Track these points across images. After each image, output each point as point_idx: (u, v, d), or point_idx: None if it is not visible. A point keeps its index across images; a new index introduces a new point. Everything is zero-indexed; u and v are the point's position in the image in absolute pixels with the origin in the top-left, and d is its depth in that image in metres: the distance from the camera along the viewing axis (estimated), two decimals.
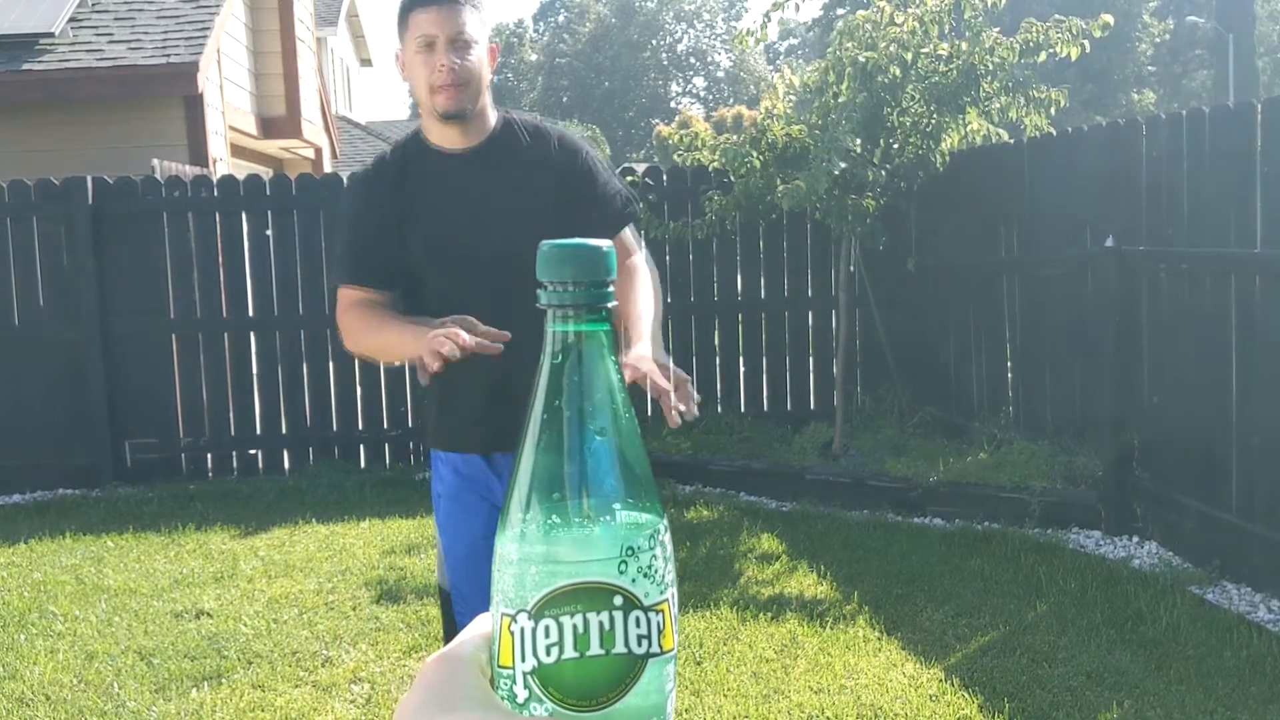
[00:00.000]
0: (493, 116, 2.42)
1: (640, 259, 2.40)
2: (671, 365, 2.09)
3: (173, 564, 5.23)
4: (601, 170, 2.40)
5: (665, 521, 0.57)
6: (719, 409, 7.16)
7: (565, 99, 60.55)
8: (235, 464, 6.97)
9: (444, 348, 1.96)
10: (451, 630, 2.53)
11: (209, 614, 4.55)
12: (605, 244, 0.58)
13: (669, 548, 0.57)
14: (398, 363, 2.49)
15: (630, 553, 0.54)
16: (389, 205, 2.36)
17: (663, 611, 0.56)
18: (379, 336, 2.31)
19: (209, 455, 6.93)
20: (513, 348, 2.08)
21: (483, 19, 2.34)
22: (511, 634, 0.54)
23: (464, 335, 1.99)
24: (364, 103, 27.22)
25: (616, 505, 0.55)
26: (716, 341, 7.24)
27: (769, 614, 4.31)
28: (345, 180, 2.70)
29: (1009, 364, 6.28)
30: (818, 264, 7.16)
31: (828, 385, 7.08)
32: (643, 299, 2.27)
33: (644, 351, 2.11)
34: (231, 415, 6.92)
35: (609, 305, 0.57)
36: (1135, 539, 5.05)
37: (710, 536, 5.35)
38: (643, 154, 52.48)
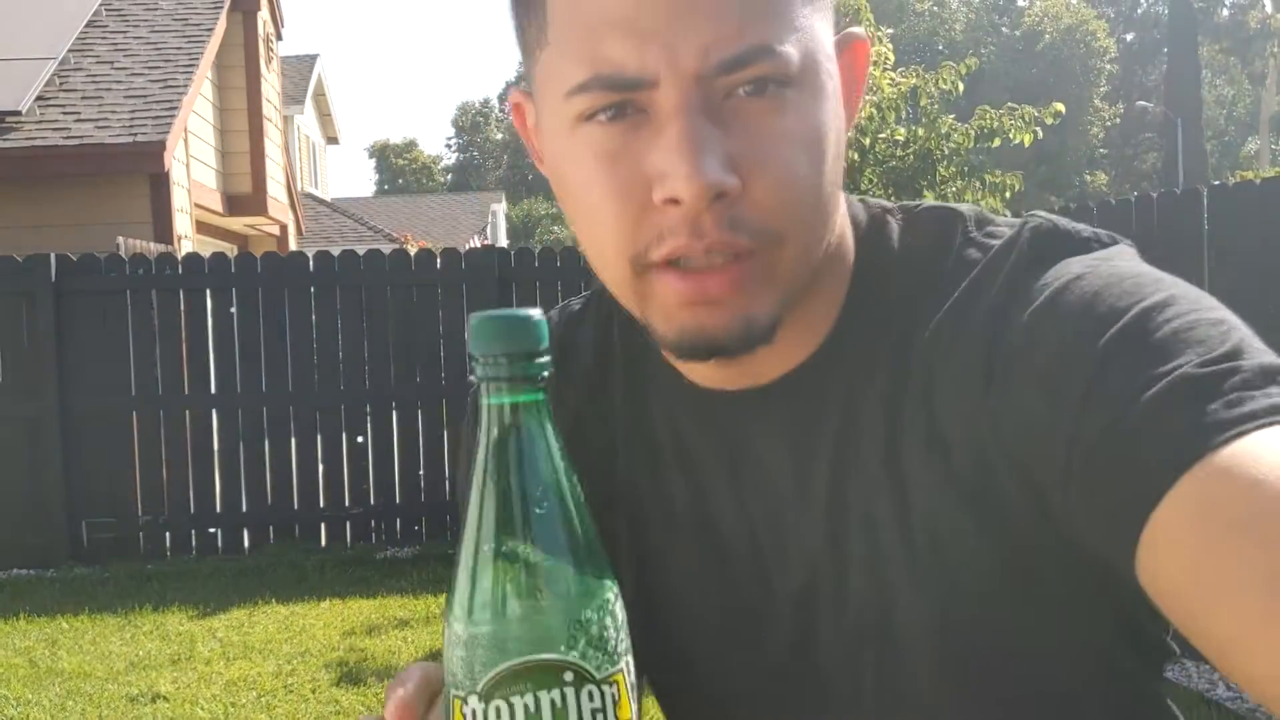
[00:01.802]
0: (849, 255, 0.76)
1: None
2: None
3: (129, 646, 5.15)
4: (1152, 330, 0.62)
5: (616, 588, 0.56)
6: None
7: (531, 176, 61.12)
8: (194, 543, 6.89)
9: None
10: None
11: (165, 698, 4.47)
12: (537, 314, 0.55)
13: (621, 615, 0.55)
14: None
15: (579, 626, 0.53)
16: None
17: (617, 682, 0.54)
18: None
19: (167, 534, 6.85)
20: None
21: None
22: (464, 715, 0.53)
23: None
24: (330, 179, 27.39)
25: (563, 578, 0.54)
26: None
27: None
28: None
29: None
30: None
31: None
32: None
33: None
34: (191, 493, 6.85)
35: (545, 375, 0.55)
36: None
37: None
38: None
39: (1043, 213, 0.75)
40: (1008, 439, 0.66)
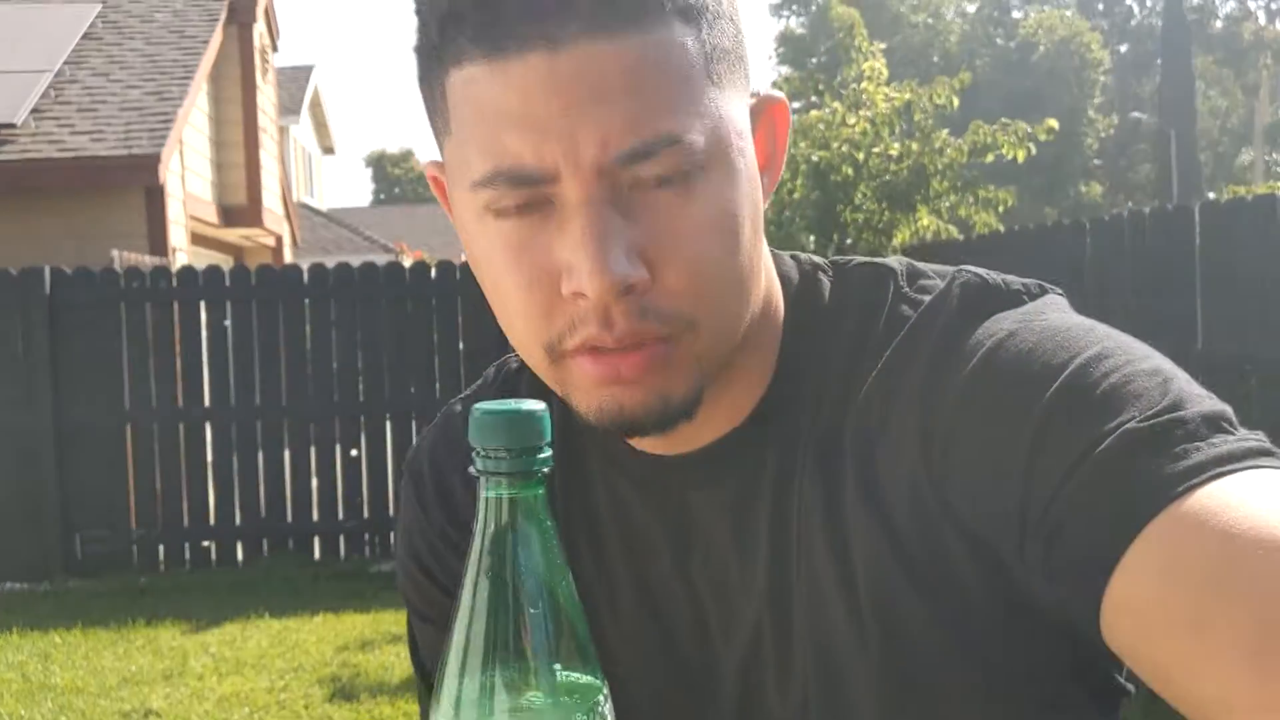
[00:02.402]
0: (766, 358, 0.75)
1: None
2: None
3: (121, 661, 5.14)
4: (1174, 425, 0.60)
5: (605, 688, 0.56)
6: None
7: None
8: (188, 556, 6.88)
9: None
10: None
11: (157, 714, 4.46)
12: (539, 406, 0.55)
13: (610, 716, 0.55)
14: None
15: None
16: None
17: None
18: None
19: (161, 547, 6.84)
20: None
21: (725, 33, 0.67)
22: None
23: None
24: (326, 190, 27.41)
25: (554, 680, 0.54)
26: None
27: None
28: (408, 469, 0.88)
29: None
30: None
31: None
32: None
33: None
34: (185, 506, 6.84)
35: (545, 470, 0.55)
36: None
37: None
38: None
39: (971, 267, 0.77)
40: (952, 503, 0.65)
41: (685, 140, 0.62)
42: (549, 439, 0.55)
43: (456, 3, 0.63)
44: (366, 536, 6.99)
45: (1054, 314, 0.70)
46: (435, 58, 0.66)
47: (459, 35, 0.63)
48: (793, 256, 0.78)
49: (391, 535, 7.02)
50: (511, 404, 0.54)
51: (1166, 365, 0.65)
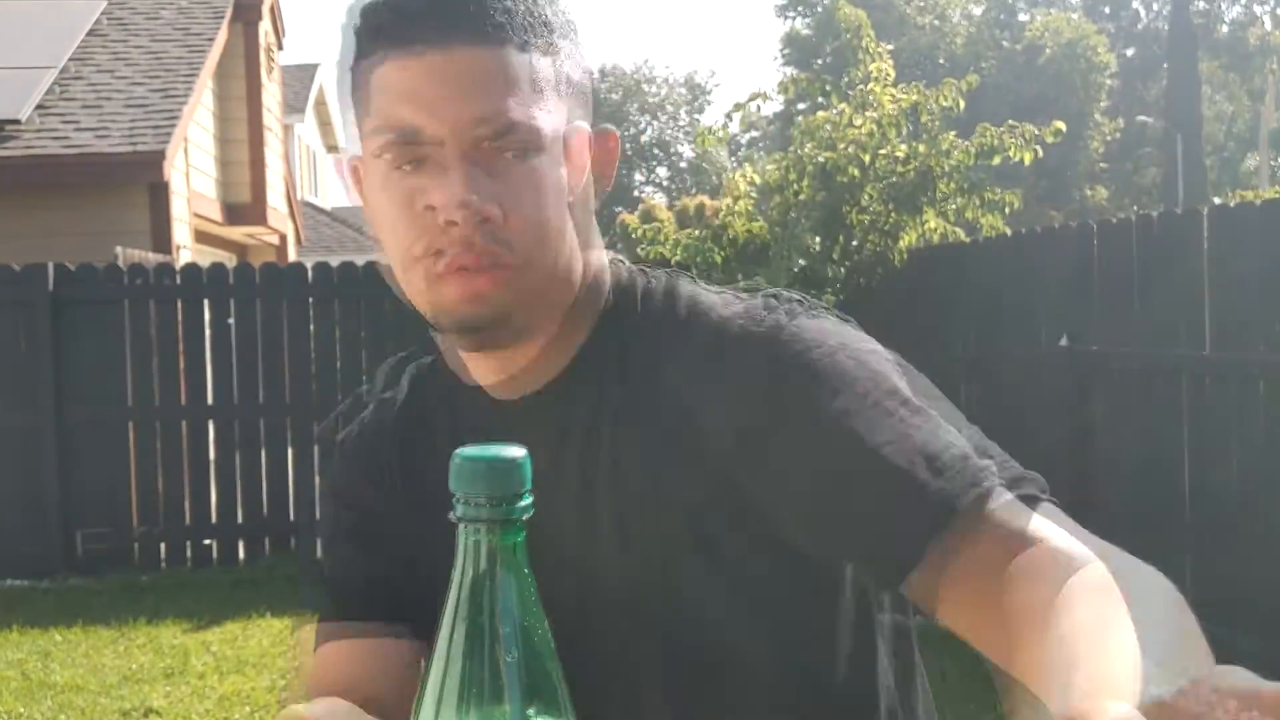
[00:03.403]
0: (587, 316, 0.97)
1: (1062, 558, 0.82)
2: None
3: (122, 659, 5.12)
4: (871, 404, 0.91)
5: None
6: None
7: None
8: (189, 554, 6.86)
9: None
10: None
11: (158, 712, 4.44)
12: (520, 453, 0.56)
13: None
14: None
15: None
16: (385, 516, 1.02)
17: None
18: None
19: (162, 545, 6.83)
20: None
21: (566, 66, 0.93)
22: None
23: None
24: (330, 188, 27.36)
25: None
26: None
27: None
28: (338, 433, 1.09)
29: None
30: None
31: None
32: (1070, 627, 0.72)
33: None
34: (187, 505, 6.83)
35: (524, 518, 0.56)
36: None
37: None
38: (606, 242, 52.90)
39: (765, 284, 0.99)
40: (726, 452, 0.87)
41: (532, 128, 0.86)
42: (529, 486, 0.56)
43: (378, 18, 0.87)
44: None
45: (828, 320, 0.95)
46: (361, 58, 0.89)
47: (381, 38, 0.87)
48: (628, 265, 1.01)
49: None
50: (492, 451, 0.55)
51: (927, 386, 0.97)
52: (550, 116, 0.88)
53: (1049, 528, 0.83)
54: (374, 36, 0.88)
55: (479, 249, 0.86)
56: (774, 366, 0.87)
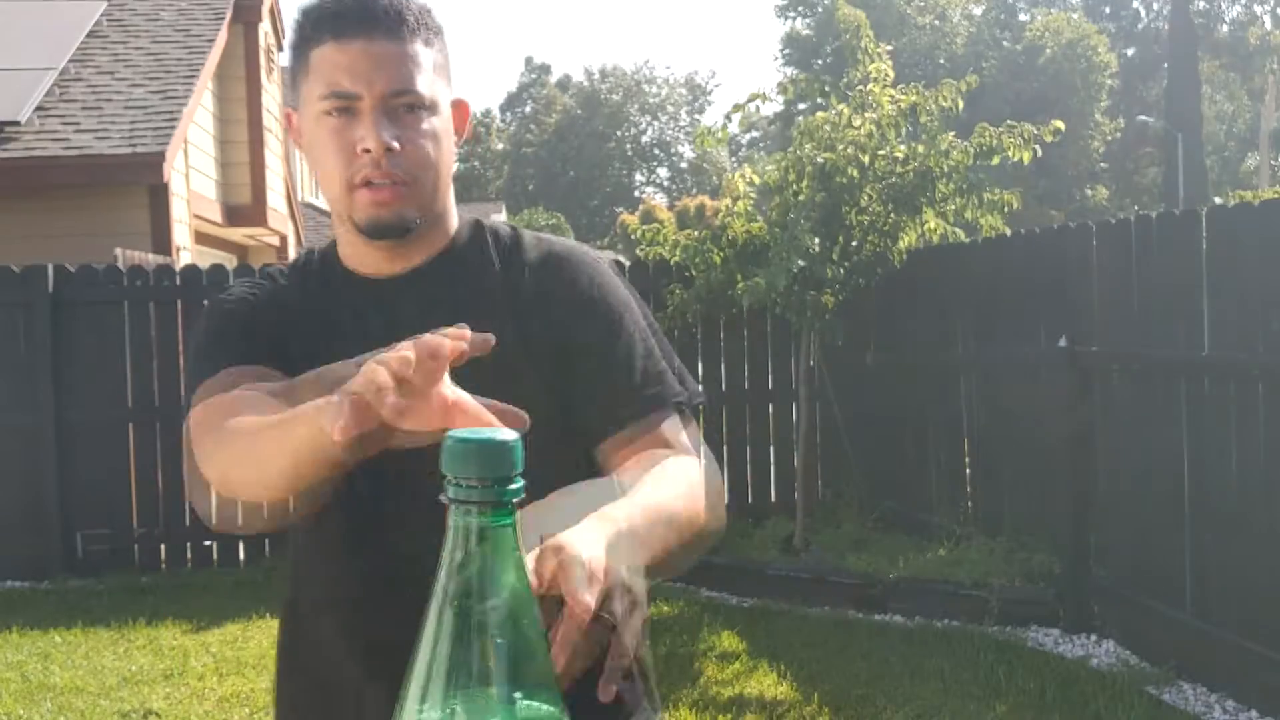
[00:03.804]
0: (454, 221, 1.39)
1: (686, 460, 1.26)
2: (625, 591, 0.83)
3: (121, 660, 5.12)
4: (629, 324, 1.33)
5: (565, 716, 0.56)
6: None
7: (531, 187, 61.16)
8: (189, 555, 6.87)
9: (374, 390, 0.94)
10: None
11: (157, 714, 4.44)
12: (512, 436, 0.56)
13: None
14: (287, 486, 1.19)
15: None
16: (270, 343, 1.32)
17: None
18: (263, 438, 1.14)
19: (163, 546, 6.83)
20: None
21: (445, 59, 1.34)
22: None
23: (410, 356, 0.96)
24: None
25: (513, 707, 0.54)
26: None
27: (729, 715, 4.27)
28: (224, 291, 1.45)
29: (967, 460, 6.33)
30: (778, 357, 7.22)
31: (788, 478, 7.09)
32: (651, 490, 1.13)
33: (576, 541, 0.81)
34: (187, 506, 6.83)
35: (515, 500, 0.55)
36: (1093, 637, 5.06)
37: (670, 634, 5.32)
38: (606, 241, 52.97)
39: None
40: (556, 309, 1.32)
41: (420, 93, 1.27)
42: (521, 469, 0.56)
43: (324, 14, 1.27)
44: None
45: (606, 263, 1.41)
46: (306, 41, 1.29)
47: (324, 30, 1.27)
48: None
49: None
50: (485, 433, 0.55)
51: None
52: (432, 87, 1.30)
53: (682, 434, 1.30)
54: (319, 27, 1.28)
55: (384, 170, 1.26)
56: (588, 271, 1.36)
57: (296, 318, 1.36)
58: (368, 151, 1.25)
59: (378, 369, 0.93)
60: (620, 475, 1.18)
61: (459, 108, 1.37)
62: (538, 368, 1.30)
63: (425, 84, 1.28)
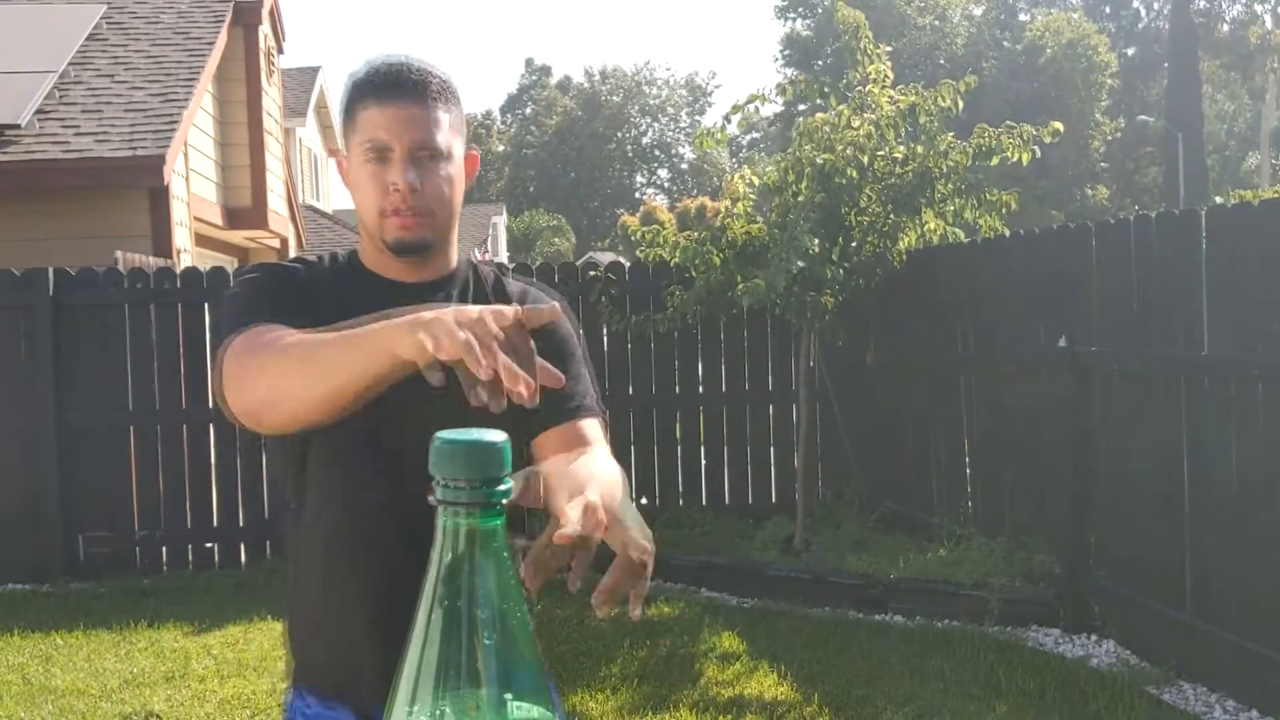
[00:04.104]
0: (456, 254, 1.73)
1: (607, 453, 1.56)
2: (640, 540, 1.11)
3: (123, 663, 5.13)
4: (576, 351, 1.72)
5: (557, 716, 0.56)
6: (680, 502, 7.16)
7: (532, 189, 61.16)
8: (190, 558, 6.87)
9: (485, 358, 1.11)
10: None
11: (159, 716, 4.45)
12: (500, 438, 0.56)
13: None
14: (347, 393, 1.34)
15: None
16: (308, 313, 1.51)
17: None
18: (324, 346, 1.35)
19: (164, 549, 6.83)
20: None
21: (460, 120, 1.67)
22: None
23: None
24: (332, 192, 27.30)
25: (503, 708, 0.54)
26: (678, 434, 7.27)
27: (729, 716, 4.28)
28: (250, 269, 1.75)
29: (967, 460, 6.34)
30: (778, 358, 7.23)
31: (789, 479, 7.10)
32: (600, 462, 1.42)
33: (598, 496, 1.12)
34: (188, 508, 6.83)
35: (503, 501, 0.55)
36: (1093, 637, 5.06)
37: (670, 634, 5.32)
38: (607, 243, 52.96)
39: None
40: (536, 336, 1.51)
41: (439, 146, 1.59)
42: (509, 469, 0.56)
43: (369, 83, 1.59)
44: None
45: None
46: (354, 103, 1.61)
47: (368, 95, 1.59)
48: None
49: None
50: (474, 435, 0.54)
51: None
52: (448, 142, 1.61)
53: (601, 436, 1.60)
54: (364, 92, 1.61)
55: (409, 204, 1.59)
56: (562, 322, 1.64)
57: (325, 299, 1.61)
58: (397, 190, 1.59)
59: (501, 309, 1.18)
60: (564, 457, 1.41)
61: (470, 159, 1.70)
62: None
63: (443, 139, 1.61)
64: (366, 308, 1.41)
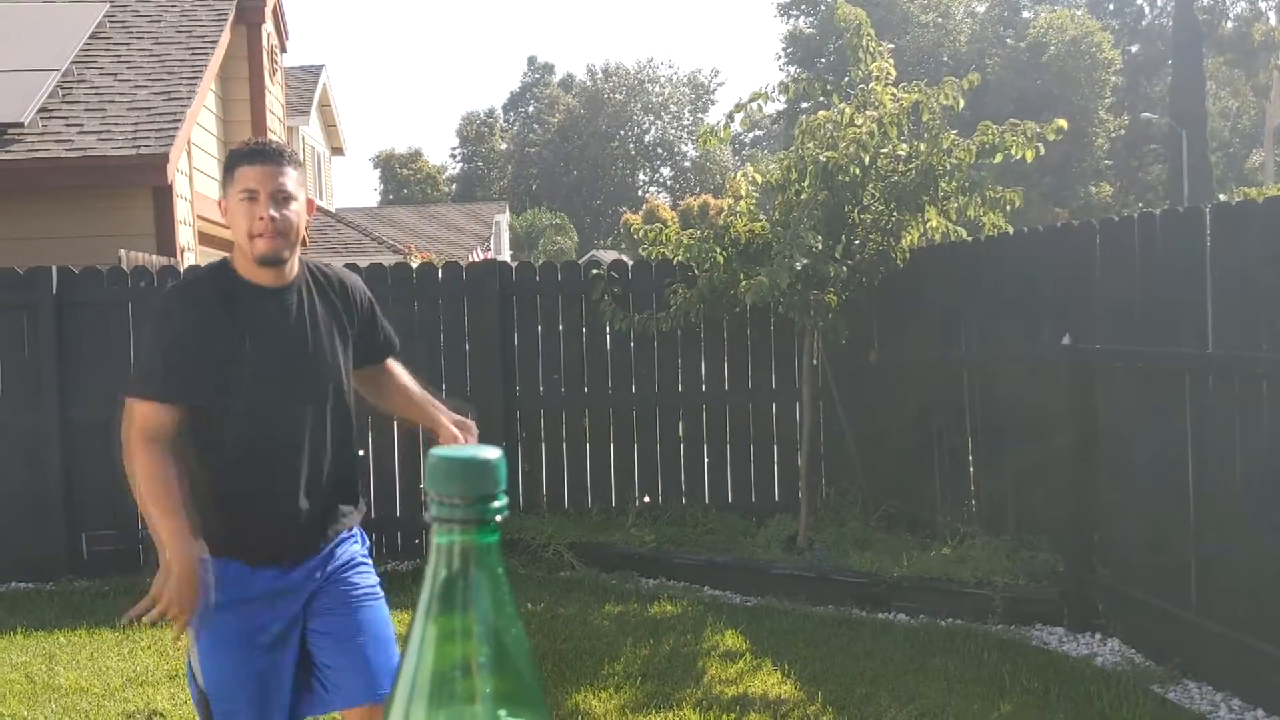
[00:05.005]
0: (296, 264, 2.66)
1: (408, 374, 3.00)
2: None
3: (126, 661, 5.13)
4: (379, 312, 2.87)
5: None
6: (683, 501, 7.16)
7: (535, 187, 61.15)
8: None
9: (173, 611, 2.59)
10: None
11: (162, 715, 4.45)
12: (495, 454, 0.56)
13: None
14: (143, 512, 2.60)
15: None
16: (215, 328, 2.54)
17: None
18: (157, 508, 2.52)
19: None
20: (313, 455, 2.65)
21: (303, 178, 2.64)
22: None
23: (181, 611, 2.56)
24: (335, 190, 27.33)
25: None
26: (680, 433, 7.26)
27: (733, 714, 4.27)
28: (163, 298, 2.80)
29: (970, 458, 6.33)
30: (781, 356, 7.22)
31: (792, 477, 7.09)
32: (418, 391, 2.96)
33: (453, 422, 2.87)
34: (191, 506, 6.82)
35: (499, 518, 0.55)
36: (1097, 636, 5.05)
37: (674, 633, 5.32)
38: (610, 241, 52.95)
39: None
40: (350, 306, 2.80)
41: (290, 191, 2.60)
42: (504, 486, 0.55)
43: (244, 153, 2.61)
44: (373, 537, 6.95)
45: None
46: (234, 164, 2.60)
47: (243, 160, 2.59)
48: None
49: (399, 535, 7.03)
50: (468, 451, 0.54)
51: None
52: (298, 188, 2.60)
53: (399, 365, 2.97)
54: (240, 158, 2.58)
55: (271, 229, 2.52)
56: (361, 287, 2.85)
57: (217, 310, 2.59)
58: (262, 219, 2.54)
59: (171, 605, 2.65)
60: (389, 377, 2.98)
61: (309, 203, 2.68)
62: (344, 332, 2.75)
63: (292, 186, 2.59)
64: (255, 307, 2.61)
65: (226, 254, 2.70)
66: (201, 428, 2.54)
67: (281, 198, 2.52)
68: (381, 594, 2.74)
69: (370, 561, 2.78)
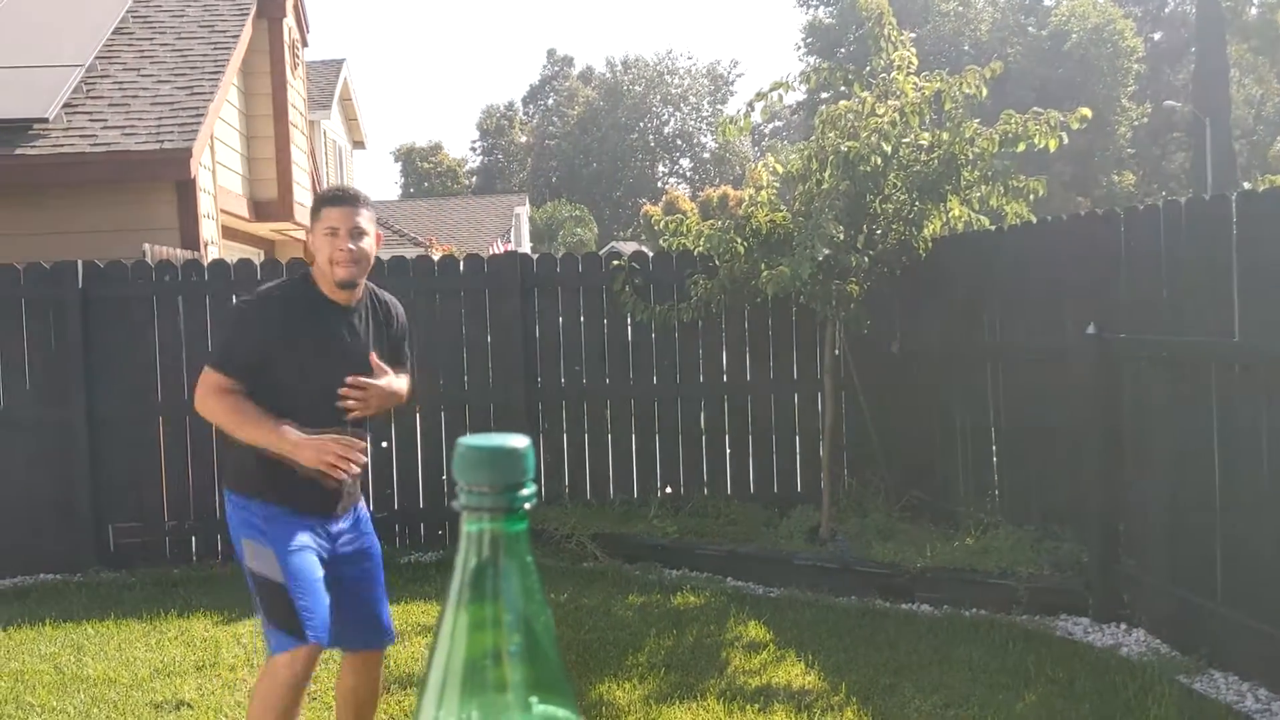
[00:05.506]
0: (363, 288, 3.40)
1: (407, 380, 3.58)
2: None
3: (154, 652, 5.17)
4: (408, 335, 3.64)
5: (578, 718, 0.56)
6: (705, 491, 7.16)
7: (554, 179, 61.18)
8: (220, 547, 6.92)
9: (346, 467, 3.18)
10: (288, 612, 3.18)
11: (189, 705, 4.49)
12: (523, 443, 0.56)
13: None
14: (248, 441, 3.21)
15: None
16: (281, 328, 3.26)
17: None
18: (252, 425, 3.17)
19: (194, 539, 6.89)
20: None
21: (373, 216, 3.36)
22: None
23: (355, 459, 3.22)
24: (357, 183, 27.44)
25: (529, 711, 0.55)
26: (702, 423, 7.26)
27: (757, 705, 4.28)
28: (250, 296, 3.45)
29: (994, 448, 6.31)
30: (803, 346, 7.21)
31: (814, 468, 7.08)
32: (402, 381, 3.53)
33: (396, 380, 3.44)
34: (217, 498, 6.87)
35: (528, 505, 0.55)
36: (1123, 626, 5.03)
37: (697, 623, 5.32)
38: (630, 232, 52.94)
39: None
40: (394, 329, 3.56)
41: (365, 229, 3.31)
42: (532, 475, 0.55)
43: (328, 197, 3.35)
44: (396, 528, 7.01)
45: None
46: (320, 206, 3.33)
47: (328, 202, 3.33)
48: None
49: (422, 526, 7.07)
50: (496, 440, 0.54)
51: None
52: (370, 227, 3.32)
53: (406, 375, 3.56)
54: (325, 201, 3.32)
55: (348, 259, 3.25)
56: (401, 314, 3.59)
57: (294, 316, 3.27)
58: (342, 250, 3.21)
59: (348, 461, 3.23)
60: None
61: (378, 237, 3.33)
62: (380, 346, 3.40)
63: (366, 224, 3.28)
64: (324, 317, 3.30)
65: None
66: (269, 405, 3.19)
67: (357, 234, 3.24)
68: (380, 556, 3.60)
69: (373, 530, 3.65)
